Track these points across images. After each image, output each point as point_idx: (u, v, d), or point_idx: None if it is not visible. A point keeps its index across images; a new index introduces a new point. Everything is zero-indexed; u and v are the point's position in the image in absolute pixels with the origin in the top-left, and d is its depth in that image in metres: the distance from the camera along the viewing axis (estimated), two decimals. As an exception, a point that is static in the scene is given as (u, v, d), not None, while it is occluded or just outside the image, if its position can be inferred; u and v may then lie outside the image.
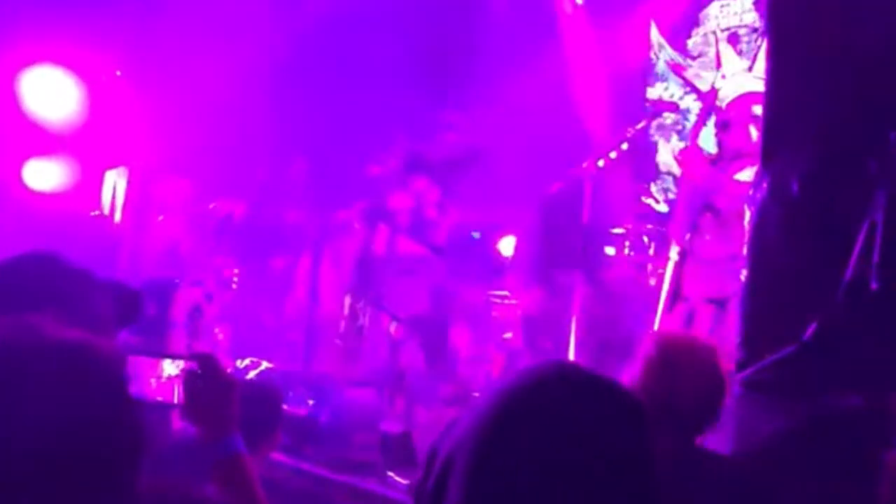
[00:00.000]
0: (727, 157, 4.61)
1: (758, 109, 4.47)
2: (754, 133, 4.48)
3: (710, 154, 4.89)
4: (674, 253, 4.61)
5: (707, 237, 4.52)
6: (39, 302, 1.19)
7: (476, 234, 5.90)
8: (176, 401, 1.71)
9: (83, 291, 1.35)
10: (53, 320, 0.99)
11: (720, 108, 4.90)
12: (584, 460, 0.94)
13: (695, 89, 6.61)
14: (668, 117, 6.70)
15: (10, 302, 1.20)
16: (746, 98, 4.67)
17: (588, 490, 0.93)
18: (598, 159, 4.26)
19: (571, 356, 4.25)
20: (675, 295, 4.55)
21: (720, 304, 4.29)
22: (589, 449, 0.95)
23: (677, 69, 6.75)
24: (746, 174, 4.39)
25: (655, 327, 4.49)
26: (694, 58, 6.69)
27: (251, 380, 4.44)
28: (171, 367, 1.75)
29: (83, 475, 0.92)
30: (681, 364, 2.33)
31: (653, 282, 4.87)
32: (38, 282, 1.31)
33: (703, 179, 4.60)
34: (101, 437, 0.94)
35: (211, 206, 6.57)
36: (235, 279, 6.23)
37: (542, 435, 0.95)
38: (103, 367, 0.97)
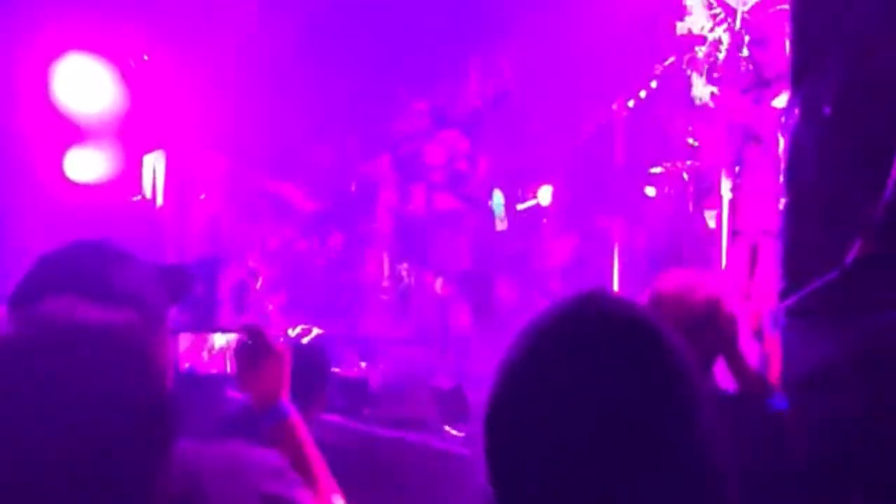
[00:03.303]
0: (762, 81, 4.49)
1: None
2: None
3: (747, 79, 4.77)
4: (725, 189, 4.53)
5: (755, 169, 4.44)
6: (89, 289, 1.23)
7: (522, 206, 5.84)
8: (228, 371, 1.78)
9: (131, 275, 1.39)
10: (80, 303, 1.03)
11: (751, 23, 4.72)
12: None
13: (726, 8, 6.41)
14: (700, 50, 6.57)
15: (61, 291, 1.24)
16: (782, 12, 4.49)
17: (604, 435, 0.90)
18: (629, 99, 4.21)
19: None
20: (734, 231, 4.49)
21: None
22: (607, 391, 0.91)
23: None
24: (782, 100, 4.29)
25: (722, 265, 4.44)
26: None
27: (296, 345, 4.53)
28: (221, 340, 1.82)
29: (113, 457, 0.95)
30: (664, 306, 2.31)
31: (712, 222, 4.77)
32: (87, 269, 1.35)
33: (740, 113, 4.50)
34: (130, 417, 0.97)
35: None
36: (282, 250, 6.30)
37: (564, 378, 0.92)
38: (126, 347, 1.00)
